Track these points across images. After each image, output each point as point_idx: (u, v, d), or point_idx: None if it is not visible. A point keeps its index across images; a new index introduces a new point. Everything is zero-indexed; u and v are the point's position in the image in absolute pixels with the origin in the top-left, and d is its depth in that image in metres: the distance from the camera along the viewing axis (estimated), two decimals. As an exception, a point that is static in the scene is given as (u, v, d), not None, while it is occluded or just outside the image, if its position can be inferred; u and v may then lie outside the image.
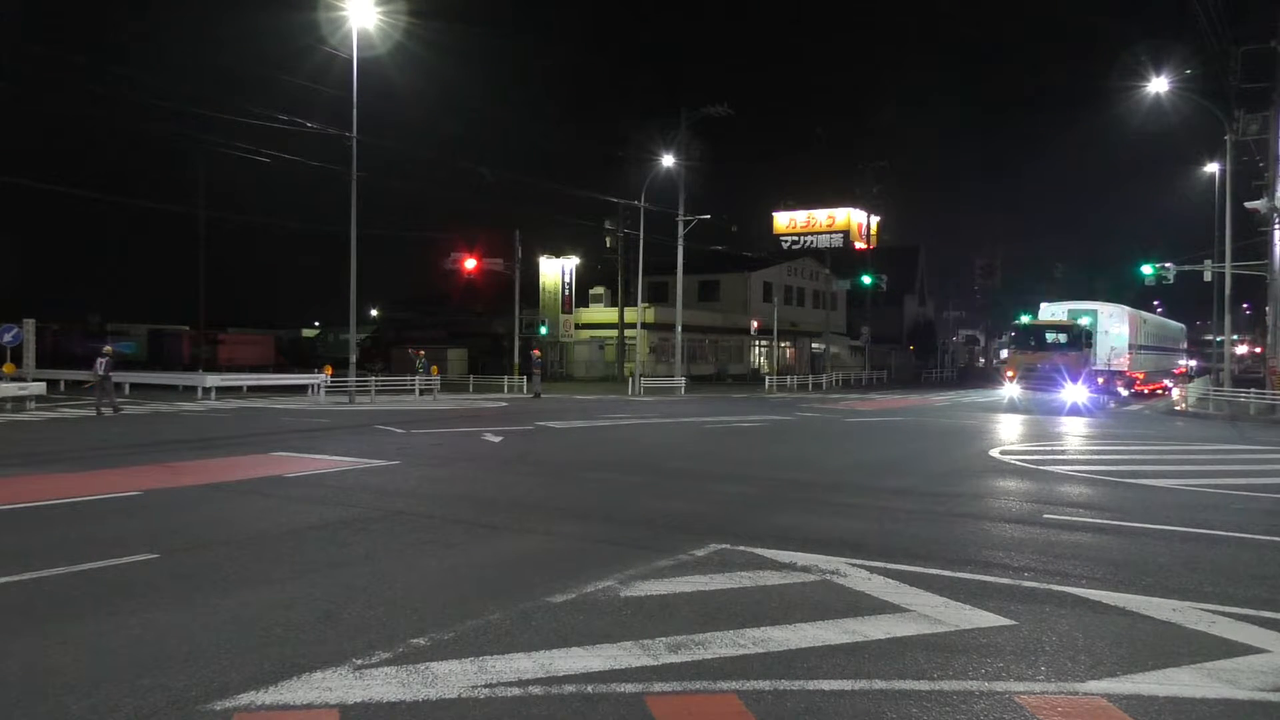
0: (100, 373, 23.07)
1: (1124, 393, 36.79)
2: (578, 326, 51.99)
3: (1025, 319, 36.05)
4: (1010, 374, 32.30)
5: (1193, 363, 61.72)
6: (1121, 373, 36.11)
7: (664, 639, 4.99)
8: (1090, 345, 32.02)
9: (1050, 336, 31.84)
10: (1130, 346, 36.63)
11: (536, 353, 36.67)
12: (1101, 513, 9.51)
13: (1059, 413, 27.50)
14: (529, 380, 35.87)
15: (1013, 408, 29.71)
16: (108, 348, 25.08)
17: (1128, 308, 38.26)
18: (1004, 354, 34.47)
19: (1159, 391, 42.92)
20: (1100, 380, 32.49)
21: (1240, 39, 28.50)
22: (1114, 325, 35.74)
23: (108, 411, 22.66)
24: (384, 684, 4.31)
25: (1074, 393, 29.28)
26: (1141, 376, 39.91)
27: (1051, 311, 36.03)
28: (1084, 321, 33.17)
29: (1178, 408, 32.20)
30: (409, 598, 5.91)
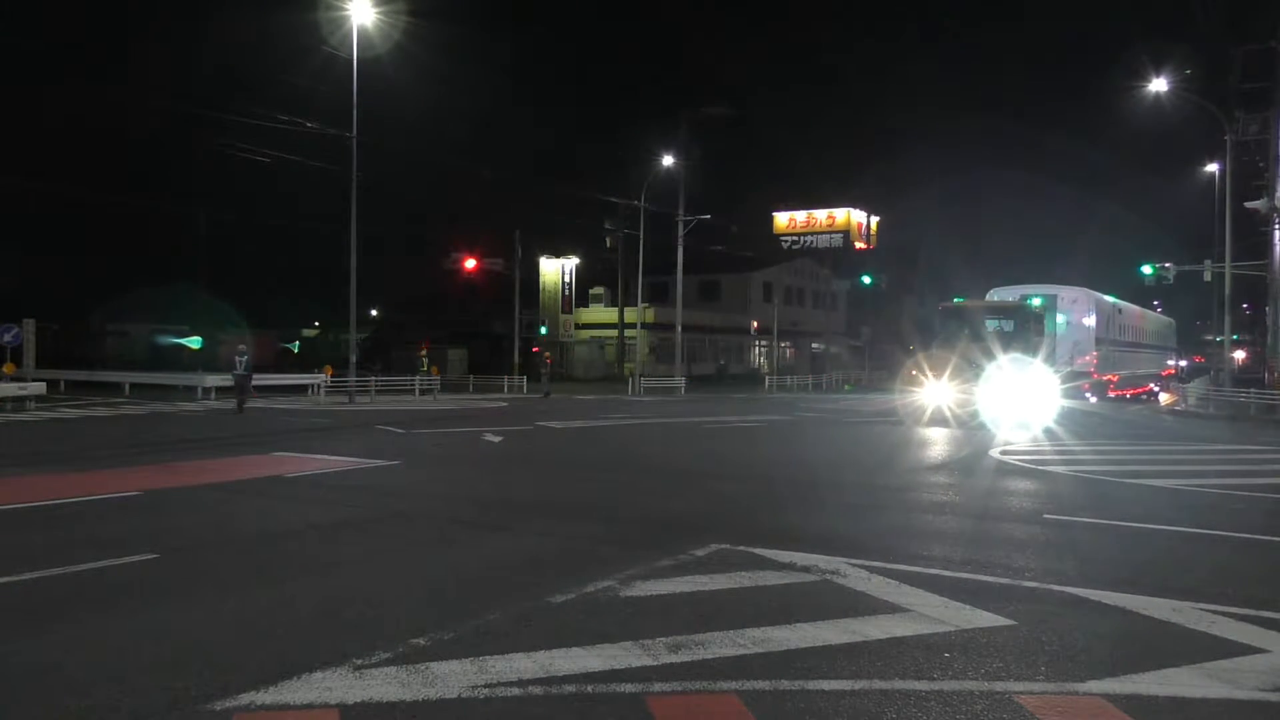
0: (241, 370, 24.13)
1: (1092, 399, 30.52)
2: (578, 326, 52.02)
3: (959, 301, 28.37)
4: (932, 374, 23.30)
5: (1184, 362, 59.42)
6: (1087, 373, 30.11)
7: (664, 639, 4.98)
8: (1043, 335, 25.05)
9: (992, 324, 24.29)
10: (1098, 341, 30.88)
11: (548, 359, 37.43)
12: (1101, 513, 9.49)
13: (998, 425, 20.55)
14: (539, 380, 36.78)
15: (939, 419, 22.00)
16: (242, 345, 26.10)
17: (1094, 293, 32.52)
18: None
19: (1143, 396, 37.84)
20: (1059, 383, 25.47)
21: (1240, 39, 28.58)
22: (1077, 314, 29.66)
23: (237, 407, 23.46)
24: (384, 684, 4.30)
25: (1021, 399, 22.09)
26: (1114, 379, 33.77)
27: (1001, 297, 29.83)
28: (1037, 305, 26.85)
29: (1177, 408, 32.11)
30: (409, 598, 5.91)
